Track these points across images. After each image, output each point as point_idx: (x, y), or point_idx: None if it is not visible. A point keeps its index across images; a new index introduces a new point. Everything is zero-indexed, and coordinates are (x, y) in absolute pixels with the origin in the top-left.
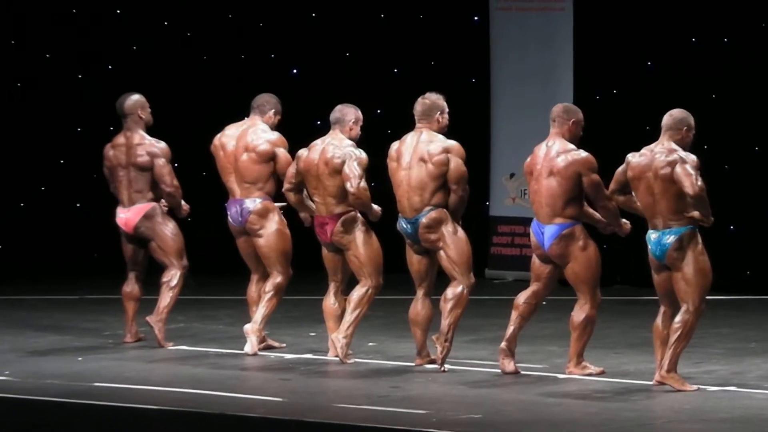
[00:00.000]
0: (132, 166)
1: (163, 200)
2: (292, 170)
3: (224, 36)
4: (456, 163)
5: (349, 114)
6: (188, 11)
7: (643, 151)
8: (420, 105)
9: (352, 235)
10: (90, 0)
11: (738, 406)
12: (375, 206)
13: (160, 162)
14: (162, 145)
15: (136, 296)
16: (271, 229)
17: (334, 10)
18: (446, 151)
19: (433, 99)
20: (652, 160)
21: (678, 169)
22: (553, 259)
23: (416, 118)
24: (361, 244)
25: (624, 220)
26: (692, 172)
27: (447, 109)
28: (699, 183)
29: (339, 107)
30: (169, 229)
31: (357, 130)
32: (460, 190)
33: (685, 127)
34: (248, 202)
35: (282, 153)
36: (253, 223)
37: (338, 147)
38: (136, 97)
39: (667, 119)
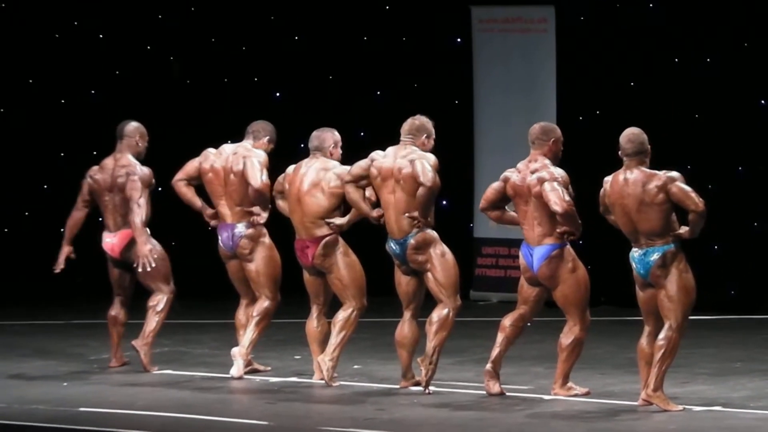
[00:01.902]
0: (116, 188)
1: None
2: (277, 185)
3: (207, 60)
4: (422, 164)
5: (327, 140)
6: (171, 36)
7: (614, 178)
8: (408, 124)
9: (334, 258)
10: (73, 25)
11: (723, 426)
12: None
13: (133, 178)
14: (145, 169)
15: (121, 321)
16: (261, 254)
17: (317, 33)
18: (412, 160)
19: (423, 121)
20: (626, 187)
21: (675, 189)
22: (542, 281)
23: (402, 135)
24: (343, 267)
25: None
26: (689, 189)
27: (434, 135)
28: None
29: (315, 134)
30: (156, 253)
31: (338, 153)
32: (428, 182)
33: (648, 148)
34: (239, 226)
35: (249, 161)
36: (243, 247)
37: (321, 169)
38: (138, 124)
39: (628, 145)
